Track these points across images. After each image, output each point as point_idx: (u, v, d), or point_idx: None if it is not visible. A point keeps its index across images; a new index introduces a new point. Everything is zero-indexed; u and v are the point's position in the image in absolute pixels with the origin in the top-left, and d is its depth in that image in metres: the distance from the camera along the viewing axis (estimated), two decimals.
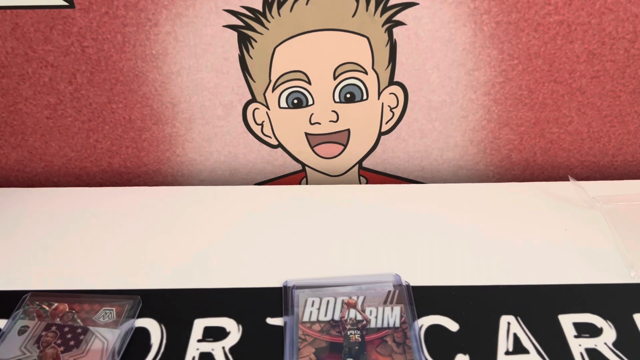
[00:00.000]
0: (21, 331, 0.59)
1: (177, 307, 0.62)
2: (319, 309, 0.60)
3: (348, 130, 0.81)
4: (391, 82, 0.76)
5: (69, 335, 0.59)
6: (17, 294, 0.64)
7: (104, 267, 0.67)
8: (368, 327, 0.58)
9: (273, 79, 0.76)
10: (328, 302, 0.61)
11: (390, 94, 0.78)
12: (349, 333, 0.57)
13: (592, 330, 0.58)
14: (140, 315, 0.61)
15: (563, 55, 0.74)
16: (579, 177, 0.85)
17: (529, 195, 0.77)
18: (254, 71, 0.75)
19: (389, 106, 0.79)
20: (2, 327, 0.60)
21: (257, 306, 0.62)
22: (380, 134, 0.81)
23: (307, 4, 0.70)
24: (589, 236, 0.70)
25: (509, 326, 0.59)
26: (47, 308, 0.61)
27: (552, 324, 0.59)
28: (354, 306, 0.60)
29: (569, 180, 0.77)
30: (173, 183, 0.87)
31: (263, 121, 0.80)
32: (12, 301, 0.63)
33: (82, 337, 0.59)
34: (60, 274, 0.66)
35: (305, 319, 0.59)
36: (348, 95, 0.77)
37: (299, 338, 0.57)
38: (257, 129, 0.81)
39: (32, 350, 0.57)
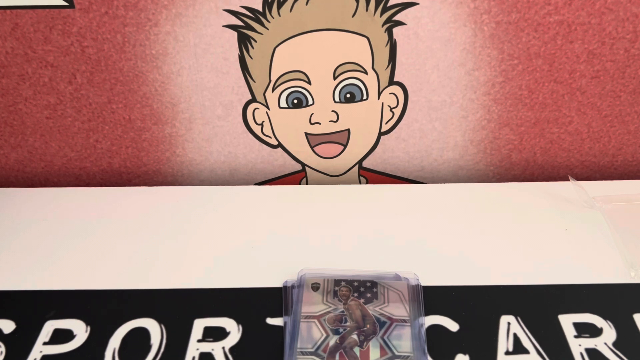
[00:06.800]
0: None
1: (177, 307, 0.62)
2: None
3: (348, 130, 0.81)
4: (391, 82, 0.76)
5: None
6: (17, 294, 0.64)
7: (103, 267, 0.67)
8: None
9: (273, 79, 0.76)
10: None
11: (390, 94, 0.78)
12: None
13: (592, 330, 0.58)
14: (140, 315, 0.61)
15: (563, 55, 0.74)
16: (579, 177, 0.85)
17: (529, 195, 0.77)
18: (254, 71, 0.75)
19: (389, 106, 0.79)
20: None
21: (257, 306, 0.62)
22: (380, 134, 0.81)
23: (307, 4, 0.70)
24: (589, 236, 0.70)
25: (509, 326, 0.59)
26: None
27: (552, 324, 0.59)
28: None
29: (569, 180, 0.77)
30: (173, 183, 0.87)
31: (263, 121, 0.80)
32: (13, 301, 0.63)
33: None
34: (60, 273, 0.66)
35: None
36: (348, 95, 0.77)
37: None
38: (257, 129, 0.81)
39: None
